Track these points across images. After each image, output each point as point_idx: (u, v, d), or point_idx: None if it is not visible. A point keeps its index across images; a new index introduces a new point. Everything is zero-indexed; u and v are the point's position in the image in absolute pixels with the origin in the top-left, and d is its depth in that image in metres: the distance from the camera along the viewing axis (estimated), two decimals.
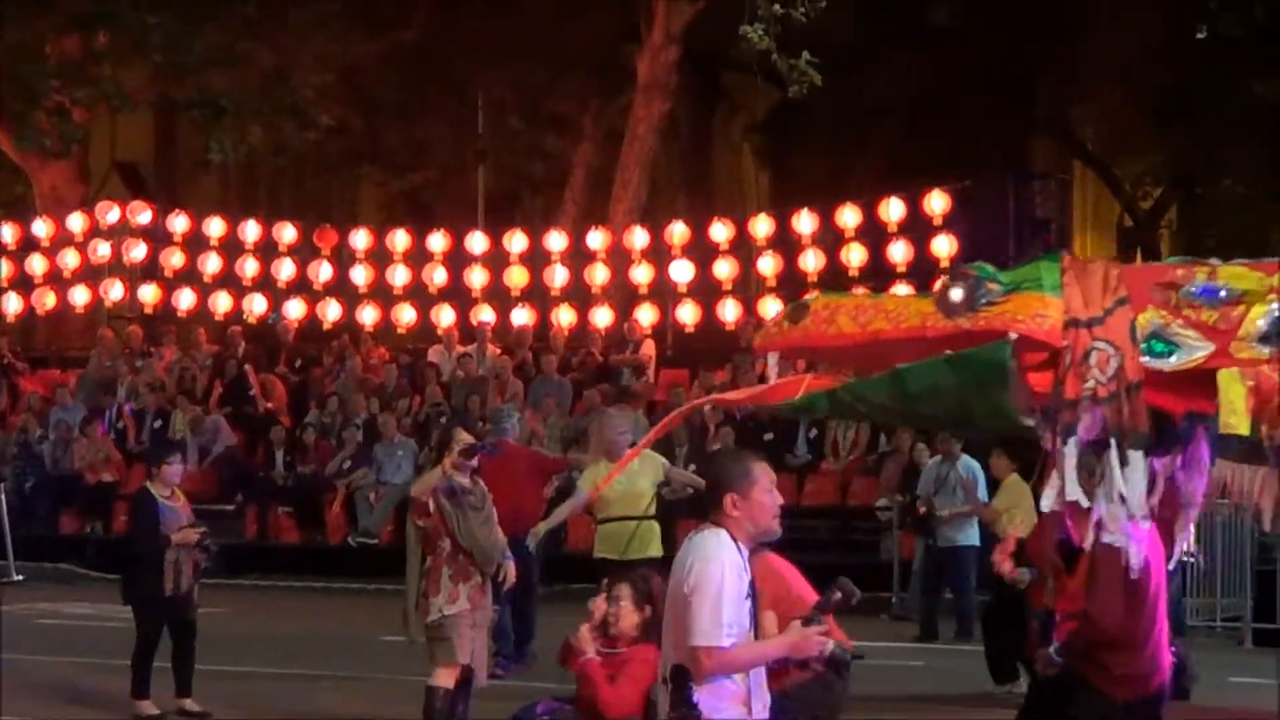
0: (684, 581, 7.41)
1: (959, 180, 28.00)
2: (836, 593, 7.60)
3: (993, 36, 30.61)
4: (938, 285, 9.04)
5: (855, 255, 27.79)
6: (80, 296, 31.74)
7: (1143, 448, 8.44)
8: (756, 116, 36.71)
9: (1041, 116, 35.33)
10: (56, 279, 31.83)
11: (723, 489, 7.48)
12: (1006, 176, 30.02)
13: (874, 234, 27.76)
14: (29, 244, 32.11)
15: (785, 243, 28.55)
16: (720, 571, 7.35)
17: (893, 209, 27.84)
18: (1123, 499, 8.41)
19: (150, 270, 31.77)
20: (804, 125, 32.22)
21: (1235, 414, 8.34)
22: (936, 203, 27.60)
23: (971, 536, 19.17)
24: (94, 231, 31.75)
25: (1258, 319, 8.26)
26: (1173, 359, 8.35)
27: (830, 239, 28.24)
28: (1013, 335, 8.47)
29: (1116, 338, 8.37)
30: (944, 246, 27.12)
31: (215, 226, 31.49)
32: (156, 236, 31.65)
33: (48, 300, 31.97)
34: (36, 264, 31.94)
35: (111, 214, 31.82)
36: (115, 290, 31.77)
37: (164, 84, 32.85)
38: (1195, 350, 8.30)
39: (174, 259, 31.31)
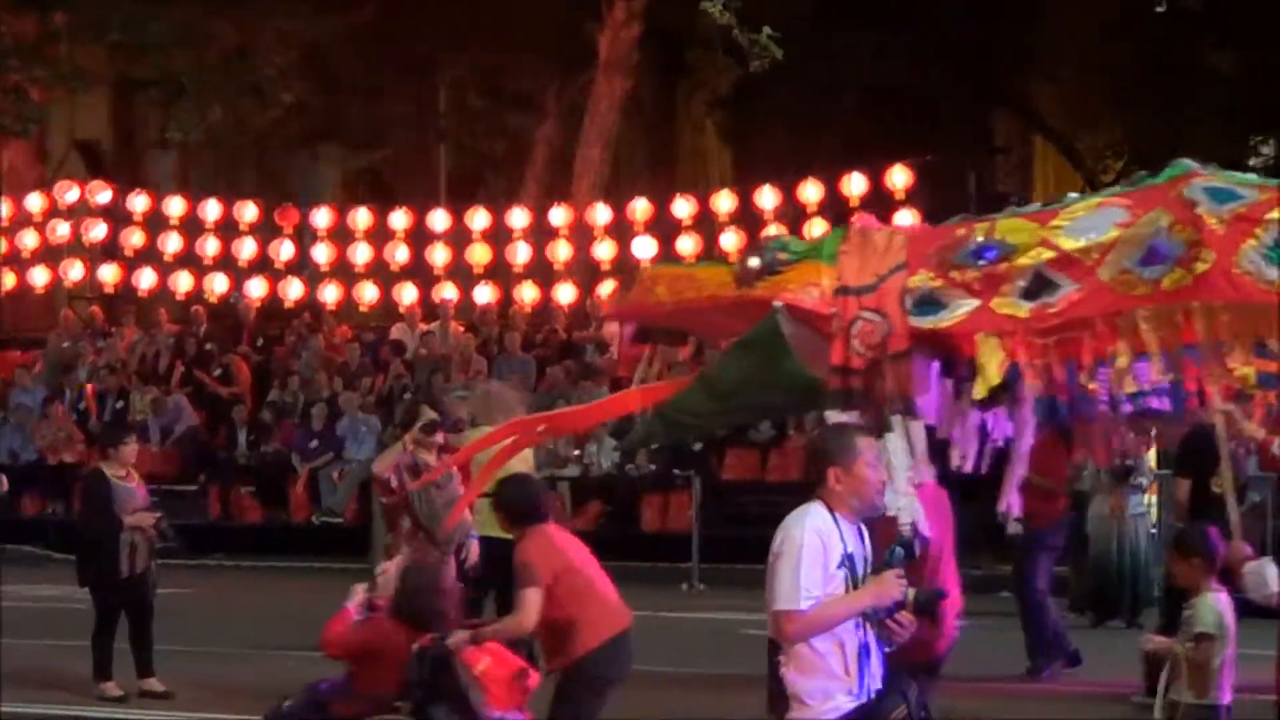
0: (771, 550, 7.46)
1: (921, 155, 28.05)
2: (897, 549, 7.60)
3: (953, 11, 30.59)
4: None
5: (818, 230, 27.70)
6: (40, 277, 31.60)
7: (909, 415, 8.46)
8: (719, 92, 36.62)
9: (1002, 91, 35.33)
10: (15, 259, 31.68)
11: (826, 462, 7.52)
12: (967, 151, 30.02)
13: (836, 209, 27.75)
14: None
15: (748, 218, 28.57)
16: (803, 538, 7.37)
17: (855, 184, 27.92)
18: (889, 466, 8.43)
19: (110, 250, 31.65)
20: (766, 101, 32.16)
21: (983, 382, 8.39)
22: (898, 178, 27.70)
23: None
24: (53, 211, 31.63)
25: (1020, 276, 8.23)
26: (937, 316, 8.33)
27: (793, 214, 28.27)
28: (778, 304, 8.54)
29: (887, 305, 8.39)
30: (906, 221, 27.14)
31: (175, 205, 31.37)
32: (116, 216, 31.54)
33: (7, 281, 31.82)
34: None
35: (71, 194, 31.71)
36: (75, 270, 31.64)
37: (122, 63, 32.69)
38: (960, 307, 8.29)
39: (134, 238, 31.20)
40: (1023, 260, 8.26)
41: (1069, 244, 8.20)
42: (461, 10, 32.13)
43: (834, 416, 8.43)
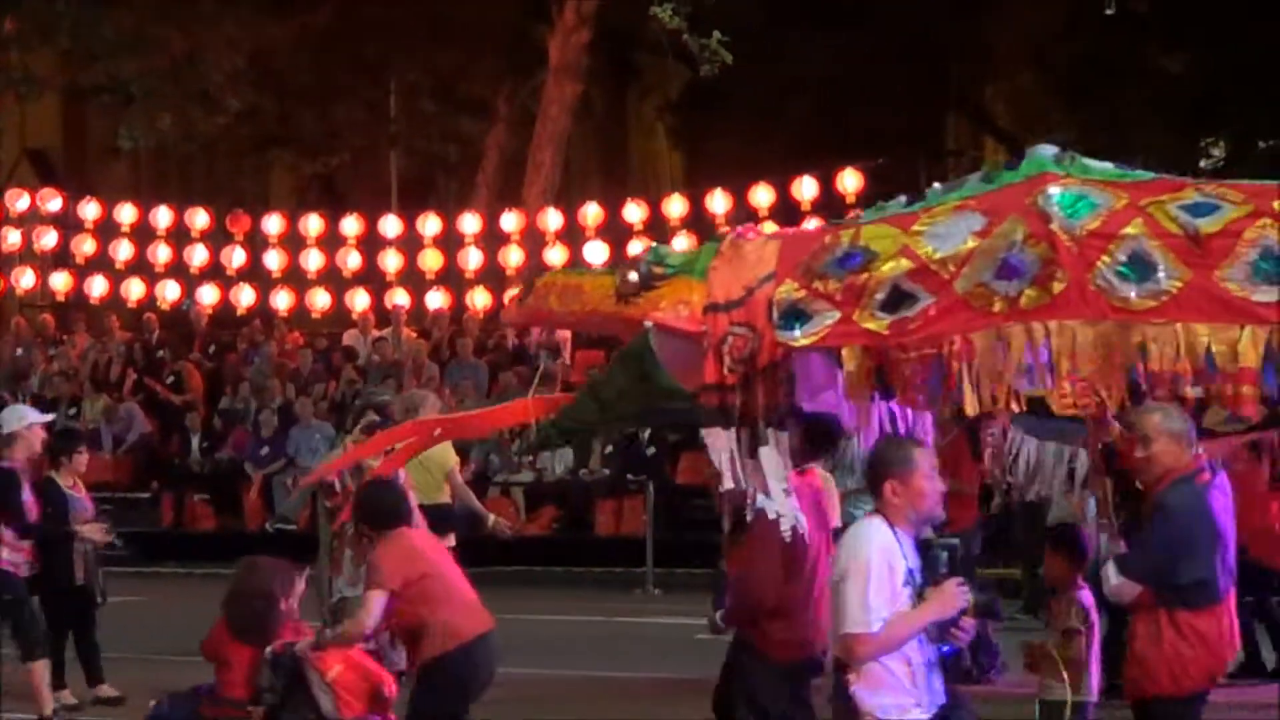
0: (835, 570, 7.45)
1: (872, 158, 28.11)
2: (942, 554, 7.58)
3: (904, 13, 30.69)
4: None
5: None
6: None
7: (780, 427, 8.49)
8: (669, 97, 36.70)
9: (953, 94, 35.45)
10: None
11: (883, 475, 7.54)
12: (919, 154, 30.07)
13: (787, 213, 27.80)
14: None
15: (699, 223, 28.57)
16: (868, 558, 7.38)
17: (806, 188, 27.97)
18: (761, 476, 8.44)
19: (61, 258, 31.53)
20: (717, 105, 32.23)
21: (853, 389, 8.46)
22: (849, 181, 27.75)
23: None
24: (4, 219, 31.50)
25: (880, 288, 8.24)
26: (801, 330, 8.32)
27: (744, 218, 28.17)
28: (648, 324, 8.58)
29: (755, 319, 8.37)
30: None
31: (126, 213, 31.27)
32: (67, 224, 31.41)
33: None
34: None
35: (21, 202, 31.58)
36: (26, 278, 31.54)
37: (73, 70, 32.57)
38: (823, 320, 8.29)
39: (85, 246, 31.08)
40: (883, 270, 8.25)
41: (927, 252, 8.21)
42: (412, 15, 32.11)
43: (712, 434, 8.43)
